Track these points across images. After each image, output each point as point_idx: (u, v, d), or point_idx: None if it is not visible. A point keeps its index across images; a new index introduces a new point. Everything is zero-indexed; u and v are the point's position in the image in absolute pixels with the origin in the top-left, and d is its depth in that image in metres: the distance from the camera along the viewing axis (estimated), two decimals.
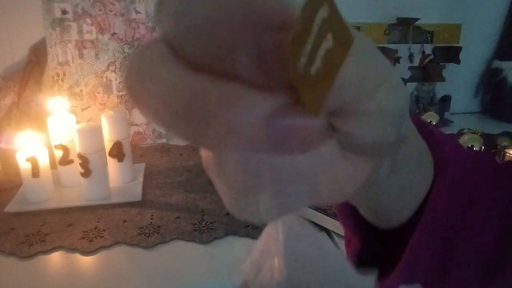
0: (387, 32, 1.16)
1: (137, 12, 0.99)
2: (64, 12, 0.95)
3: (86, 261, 0.60)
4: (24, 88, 0.92)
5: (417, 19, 1.16)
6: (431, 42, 1.21)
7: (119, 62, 0.99)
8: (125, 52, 0.99)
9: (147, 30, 1.00)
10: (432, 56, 1.21)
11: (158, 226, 0.68)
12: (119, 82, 1.00)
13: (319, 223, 0.69)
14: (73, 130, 0.70)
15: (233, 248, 0.64)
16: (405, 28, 1.18)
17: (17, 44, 0.97)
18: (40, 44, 0.97)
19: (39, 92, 0.93)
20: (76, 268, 0.59)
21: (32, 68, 0.94)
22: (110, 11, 0.98)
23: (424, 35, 1.20)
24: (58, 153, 0.75)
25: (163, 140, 1.04)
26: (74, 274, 0.58)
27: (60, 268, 0.59)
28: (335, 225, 0.68)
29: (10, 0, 0.94)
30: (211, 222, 0.70)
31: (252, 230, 0.68)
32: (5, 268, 0.59)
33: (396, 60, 1.16)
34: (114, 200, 0.74)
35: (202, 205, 0.75)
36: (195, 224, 0.69)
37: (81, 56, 0.97)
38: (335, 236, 0.68)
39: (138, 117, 1.01)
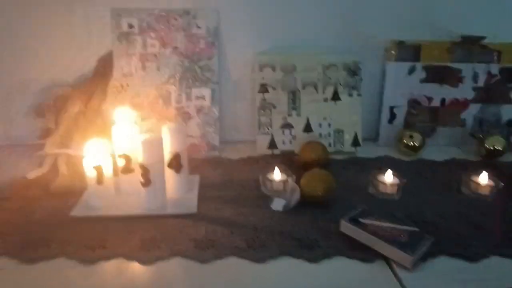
0: (450, 50, 1.11)
1: (198, 27, 1.02)
2: (130, 26, 1.00)
3: (142, 271, 0.62)
4: (91, 97, 0.97)
5: (483, 38, 1.10)
6: (499, 62, 1.14)
7: (178, 75, 1.02)
8: (184, 66, 1.02)
9: (206, 44, 1.03)
10: (498, 77, 1.14)
11: (212, 240, 0.68)
12: (178, 95, 1.03)
13: (376, 249, 0.65)
14: (136, 140, 0.72)
15: (287, 269, 0.63)
16: (470, 46, 1.13)
17: (86, 56, 1.03)
18: (107, 56, 1.02)
19: (104, 102, 0.98)
20: (132, 277, 0.61)
21: (99, 79, 1.00)
22: (173, 25, 1.01)
23: (490, 54, 1.14)
24: (120, 162, 0.78)
25: (216, 153, 1.05)
26: (131, 283, 0.59)
27: (117, 276, 0.61)
28: (393, 253, 0.64)
29: (81, 15, 1.00)
30: (264, 239, 0.69)
31: (308, 251, 0.66)
32: (68, 272, 0.61)
33: (459, 80, 1.11)
34: (170, 210, 0.76)
35: (254, 221, 0.74)
36: (248, 240, 0.69)
37: (143, 68, 1.01)
38: (394, 265, 0.64)
39: (193, 128, 1.03)
